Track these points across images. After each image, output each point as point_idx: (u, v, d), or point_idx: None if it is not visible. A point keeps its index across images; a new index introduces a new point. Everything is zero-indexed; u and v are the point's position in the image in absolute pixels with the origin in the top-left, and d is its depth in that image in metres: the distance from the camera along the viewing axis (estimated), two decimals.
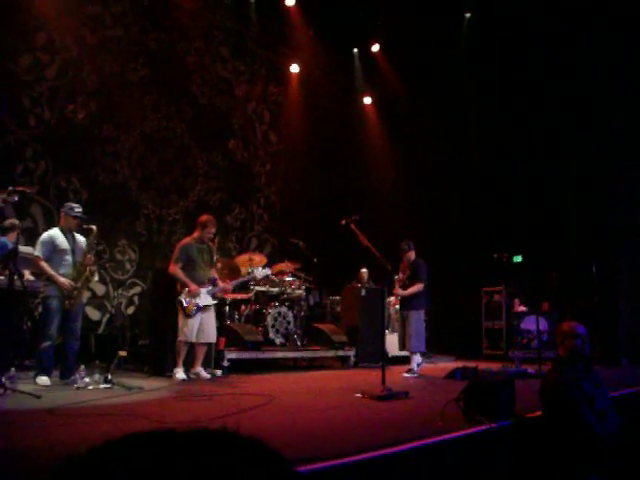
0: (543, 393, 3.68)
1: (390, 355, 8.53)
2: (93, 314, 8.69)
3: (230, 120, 11.17)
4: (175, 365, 6.25)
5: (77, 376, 5.31)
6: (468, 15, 10.97)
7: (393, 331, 8.99)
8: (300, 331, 8.46)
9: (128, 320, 8.58)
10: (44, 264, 5.57)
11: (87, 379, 5.29)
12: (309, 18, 11.04)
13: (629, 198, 9.03)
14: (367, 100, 12.72)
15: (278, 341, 8.00)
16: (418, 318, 7.28)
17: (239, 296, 8.12)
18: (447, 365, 8.16)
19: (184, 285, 6.28)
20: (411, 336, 7.20)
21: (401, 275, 7.50)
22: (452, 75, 10.98)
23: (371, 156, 12.37)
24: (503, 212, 10.28)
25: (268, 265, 8.94)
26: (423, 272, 7.33)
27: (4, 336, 5.47)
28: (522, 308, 9.63)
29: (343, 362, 8.59)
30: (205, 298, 6.37)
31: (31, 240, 6.70)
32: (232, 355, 7.10)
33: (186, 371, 6.27)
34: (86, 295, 6.37)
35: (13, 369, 5.05)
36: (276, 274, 8.66)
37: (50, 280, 5.56)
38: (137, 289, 9.38)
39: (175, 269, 6.34)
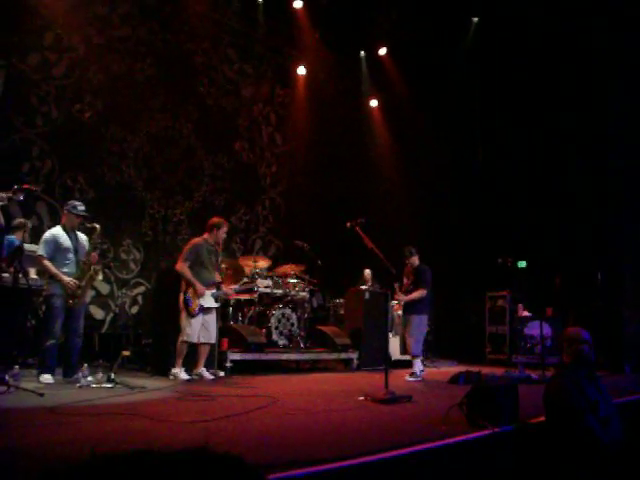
0: (547, 398, 3.66)
1: (393, 358, 8.52)
2: (97, 313, 8.71)
3: (236, 121, 11.20)
4: (174, 365, 6.24)
5: (80, 375, 5.32)
6: (476, 20, 10.94)
7: (396, 334, 8.98)
8: (303, 333, 8.46)
9: (132, 320, 8.59)
10: (47, 263, 5.55)
11: (90, 378, 5.30)
12: (316, 21, 11.05)
13: (634, 204, 8.99)
14: (373, 103, 12.72)
15: (281, 343, 8.00)
16: (420, 323, 7.26)
17: (243, 297, 8.12)
18: (450, 369, 8.16)
19: (190, 284, 6.29)
20: (411, 340, 7.20)
21: (405, 280, 7.49)
22: (458, 79, 10.97)
23: (377, 159, 12.39)
24: (508, 217, 10.25)
25: (272, 267, 8.99)
26: (427, 278, 7.33)
27: (8, 334, 5.49)
28: (526, 313, 9.63)
29: (346, 365, 8.58)
30: (209, 300, 6.39)
31: (37, 238, 6.70)
32: (235, 356, 7.10)
33: (188, 371, 6.28)
34: (90, 294, 6.37)
35: (17, 367, 5.07)
36: (280, 276, 8.67)
37: (53, 279, 5.55)
38: (141, 289, 9.40)
39: (183, 267, 6.34)
